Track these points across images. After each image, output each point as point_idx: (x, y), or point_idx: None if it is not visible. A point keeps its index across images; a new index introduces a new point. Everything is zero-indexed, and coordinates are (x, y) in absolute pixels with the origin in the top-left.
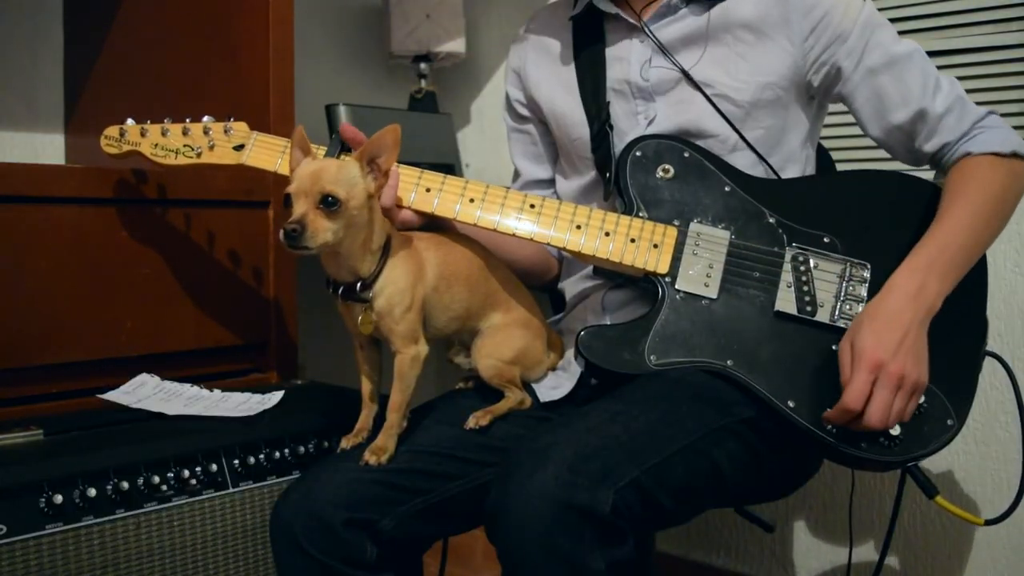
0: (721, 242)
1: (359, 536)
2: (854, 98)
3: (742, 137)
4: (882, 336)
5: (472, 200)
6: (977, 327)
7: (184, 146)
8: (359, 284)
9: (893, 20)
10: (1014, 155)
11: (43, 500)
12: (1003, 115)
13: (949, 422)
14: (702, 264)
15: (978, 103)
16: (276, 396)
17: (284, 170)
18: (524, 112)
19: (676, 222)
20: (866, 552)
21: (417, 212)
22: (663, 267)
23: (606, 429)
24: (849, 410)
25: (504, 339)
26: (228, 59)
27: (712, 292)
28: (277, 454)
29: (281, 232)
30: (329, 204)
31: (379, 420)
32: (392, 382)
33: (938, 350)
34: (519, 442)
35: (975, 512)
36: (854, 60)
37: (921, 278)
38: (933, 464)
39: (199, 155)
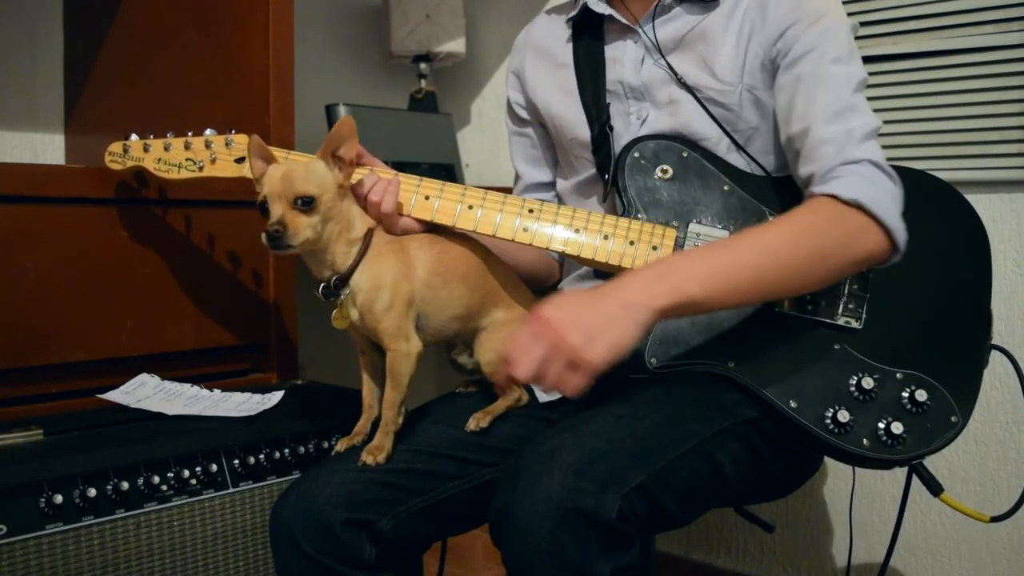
0: None
1: (358, 536)
2: (776, 101)
3: (732, 139)
4: (565, 307)
5: (471, 206)
6: (980, 323)
7: (187, 160)
8: (335, 279)
9: (893, 20)
10: (856, 205)
11: (43, 500)
12: (1003, 115)
13: (953, 418)
14: None
15: (978, 103)
16: (276, 396)
17: None
18: (524, 115)
19: (675, 223)
20: (865, 551)
21: (417, 219)
22: None
23: (611, 433)
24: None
25: (508, 335)
26: (228, 59)
27: None
28: (277, 454)
29: (263, 236)
30: (304, 203)
31: (378, 425)
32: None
33: (941, 345)
34: (523, 444)
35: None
36: (789, 62)
37: (663, 269)
38: (932, 465)
39: (201, 169)
